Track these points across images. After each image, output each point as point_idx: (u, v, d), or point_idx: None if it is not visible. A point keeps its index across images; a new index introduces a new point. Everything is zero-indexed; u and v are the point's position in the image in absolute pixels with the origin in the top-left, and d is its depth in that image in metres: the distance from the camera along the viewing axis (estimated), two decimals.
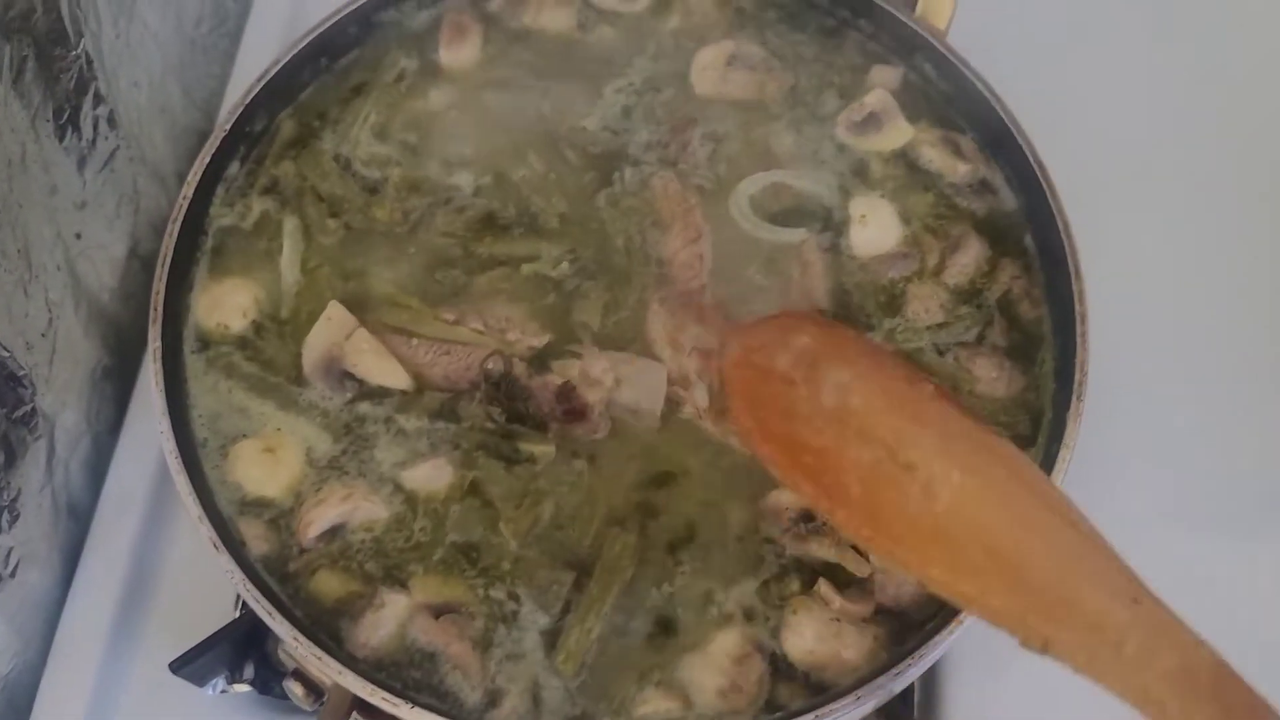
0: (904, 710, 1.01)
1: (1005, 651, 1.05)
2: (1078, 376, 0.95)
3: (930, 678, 1.07)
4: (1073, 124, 1.16)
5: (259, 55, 1.28)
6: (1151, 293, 1.21)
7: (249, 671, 0.99)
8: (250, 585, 0.88)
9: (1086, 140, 1.20)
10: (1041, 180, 1.03)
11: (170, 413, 0.95)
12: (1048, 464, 0.92)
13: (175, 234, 1.01)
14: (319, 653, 0.86)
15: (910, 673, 0.87)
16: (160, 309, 0.98)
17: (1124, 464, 1.11)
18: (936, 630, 0.88)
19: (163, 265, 1.00)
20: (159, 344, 0.97)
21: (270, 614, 0.87)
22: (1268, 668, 0.69)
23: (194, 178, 1.04)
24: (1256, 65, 1.34)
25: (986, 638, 1.03)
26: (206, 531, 0.90)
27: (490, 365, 0.97)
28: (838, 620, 0.89)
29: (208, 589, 1.04)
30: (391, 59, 1.16)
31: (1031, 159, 1.04)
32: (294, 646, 0.87)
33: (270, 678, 1.00)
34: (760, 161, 1.10)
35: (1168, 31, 1.37)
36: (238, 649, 0.98)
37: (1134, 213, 1.24)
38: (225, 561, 0.89)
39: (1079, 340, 0.96)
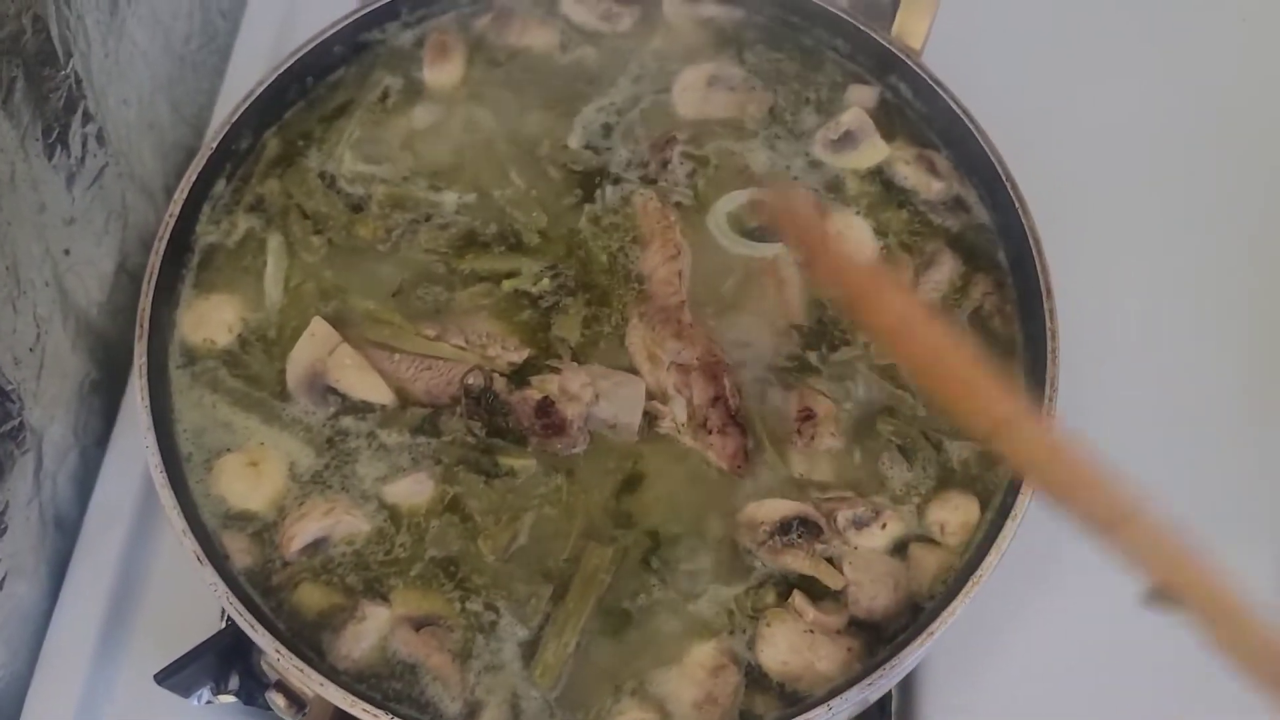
0: None
1: (982, 661, 1.08)
2: (1048, 392, 0.96)
3: (907, 688, 1.08)
4: (1046, 142, 1.18)
5: (248, 71, 1.29)
6: (1123, 310, 1.22)
7: (234, 682, 1.00)
8: (234, 598, 0.89)
9: (1060, 158, 1.21)
10: (1013, 198, 1.05)
11: (155, 427, 0.95)
12: (1017, 477, 0.94)
13: (161, 252, 1.02)
14: (301, 665, 0.87)
15: (883, 683, 0.88)
16: (146, 325, 0.99)
17: None
18: (909, 641, 0.89)
19: (149, 282, 1.01)
20: (145, 360, 0.97)
21: (253, 627, 0.88)
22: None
23: (180, 196, 1.05)
24: (1231, 85, 1.36)
25: (962, 648, 1.06)
26: (190, 545, 0.91)
27: (471, 380, 0.99)
28: (812, 632, 0.91)
29: (193, 601, 1.05)
30: (376, 78, 1.17)
31: (1004, 177, 1.06)
32: (276, 659, 0.88)
33: (255, 689, 1.00)
34: (739, 179, 1.11)
35: (1143, 50, 1.38)
36: (222, 660, 0.98)
37: (1106, 230, 1.25)
38: (209, 575, 0.90)
39: (1049, 356, 0.98)
